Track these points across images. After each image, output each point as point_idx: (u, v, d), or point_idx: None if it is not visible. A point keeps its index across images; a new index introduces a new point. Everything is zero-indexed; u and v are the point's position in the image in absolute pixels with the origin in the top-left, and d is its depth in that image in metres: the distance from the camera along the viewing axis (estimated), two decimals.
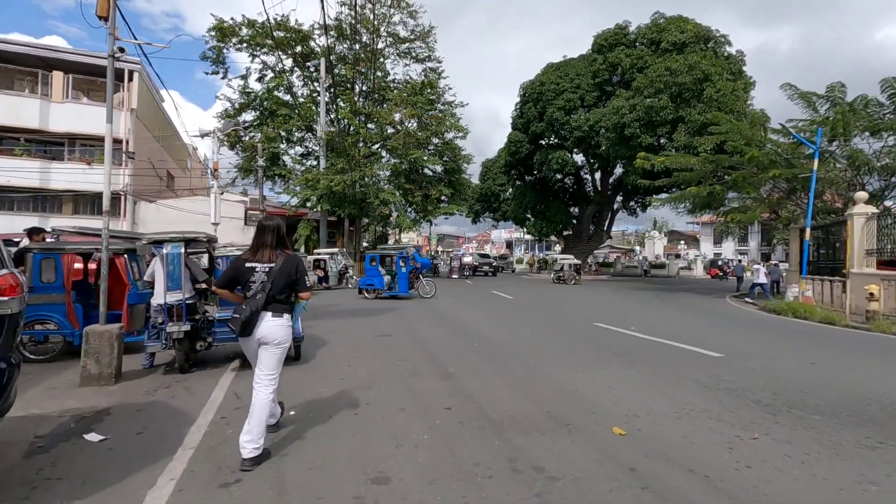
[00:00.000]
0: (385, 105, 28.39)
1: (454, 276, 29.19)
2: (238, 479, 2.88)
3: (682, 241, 68.36)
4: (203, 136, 15.32)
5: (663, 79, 23.17)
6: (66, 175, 24.14)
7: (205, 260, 7.66)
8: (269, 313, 3.20)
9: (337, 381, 5.19)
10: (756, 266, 20.17)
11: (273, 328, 3.20)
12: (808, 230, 14.20)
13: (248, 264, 3.25)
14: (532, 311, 12.20)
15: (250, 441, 3.05)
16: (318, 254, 21.27)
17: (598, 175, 36.02)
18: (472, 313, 11.60)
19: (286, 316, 3.28)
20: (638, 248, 71.82)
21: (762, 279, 18.14)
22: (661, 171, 20.79)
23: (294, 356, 6.09)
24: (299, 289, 3.37)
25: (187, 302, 5.48)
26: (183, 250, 5.34)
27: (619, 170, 34.47)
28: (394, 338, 7.87)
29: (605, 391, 4.86)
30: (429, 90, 29.04)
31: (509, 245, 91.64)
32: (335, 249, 21.27)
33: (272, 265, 3.24)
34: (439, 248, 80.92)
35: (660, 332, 8.69)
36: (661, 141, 24.48)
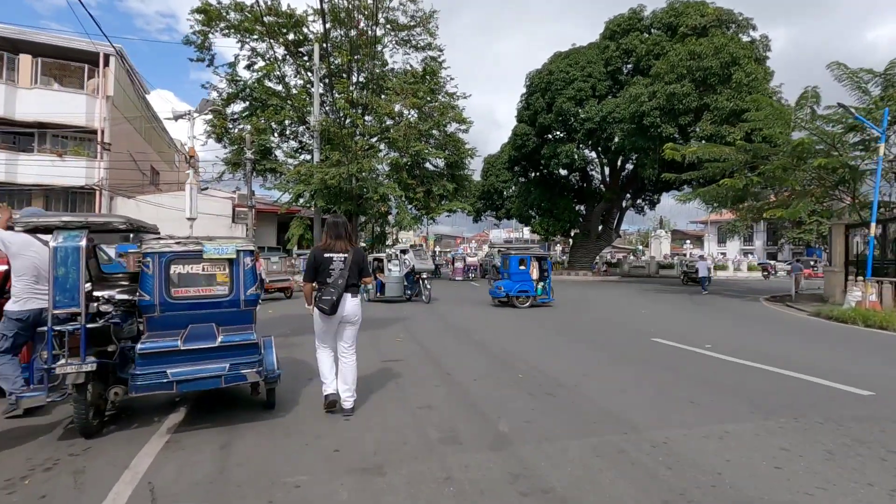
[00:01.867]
0: (384, 95, 26.44)
1: (457, 278, 27.28)
2: None
3: (688, 241, 66.84)
4: (177, 118, 13.38)
5: (686, 63, 21.36)
6: (36, 168, 22.08)
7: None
8: (349, 294, 4.02)
9: (327, 455, 3.27)
10: (702, 262, 21.74)
11: (354, 307, 4.07)
12: (873, 226, 12.38)
13: (325, 255, 4.02)
14: (564, 321, 10.30)
15: (351, 396, 4.07)
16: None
17: (607, 170, 34.22)
18: (494, 324, 9.68)
19: (358, 296, 4.13)
20: (641, 247, 70.20)
21: (704, 273, 20.56)
22: (687, 164, 19.02)
23: (265, 401, 4.17)
24: (365, 274, 4.21)
25: (92, 325, 3.52)
26: (83, 243, 3.38)
27: (629, 165, 32.73)
28: (406, 364, 5.94)
29: (762, 465, 2.99)
30: (430, 78, 27.12)
31: (506, 244, 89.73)
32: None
33: (346, 255, 4.04)
34: (437, 249, 79.06)
35: (746, 351, 6.82)
36: (684, 131, 22.68)
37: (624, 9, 29.73)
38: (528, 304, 12.60)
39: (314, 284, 4.06)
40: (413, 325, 9.26)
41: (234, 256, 3.86)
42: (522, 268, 12.48)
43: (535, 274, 12.69)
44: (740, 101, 19.70)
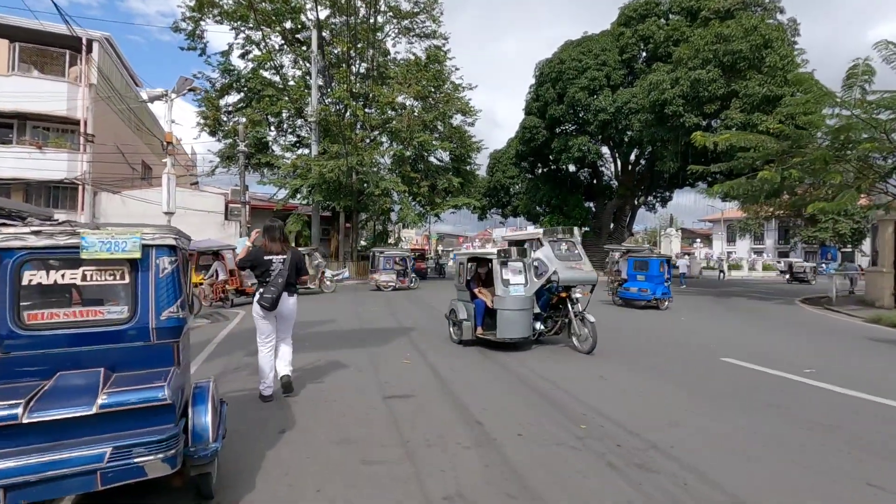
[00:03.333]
0: (386, 85, 24.88)
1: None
2: None
3: (698, 239, 65.18)
4: (152, 99, 11.91)
5: (712, 47, 19.75)
6: (14, 160, 20.58)
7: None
8: (286, 293, 4.42)
9: None
10: (681, 260, 23.65)
11: (292, 305, 4.54)
12: None
13: (266, 257, 4.40)
14: (602, 334, 8.74)
15: (287, 366, 4.61)
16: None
17: (620, 165, 32.64)
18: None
19: (295, 295, 4.61)
20: (647, 246, 68.51)
21: (684, 270, 23.47)
22: (713, 155, 17.49)
23: (200, 491, 2.59)
24: (302, 273, 4.67)
25: None
26: None
27: (643, 159, 31.14)
28: (417, 404, 4.38)
29: None
30: (435, 66, 25.54)
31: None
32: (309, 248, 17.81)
33: (285, 256, 4.43)
34: (440, 248, 77.49)
35: (857, 379, 5.27)
36: (709, 120, 21.10)
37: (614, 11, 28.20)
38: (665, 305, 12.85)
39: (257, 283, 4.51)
40: (414, 336, 7.71)
41: (138, 255, 2.32)
42: (662, 270, 13.11)
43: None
44: (775, 85, 18.10)
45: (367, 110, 24.93)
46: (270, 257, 4.40)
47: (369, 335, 7.87)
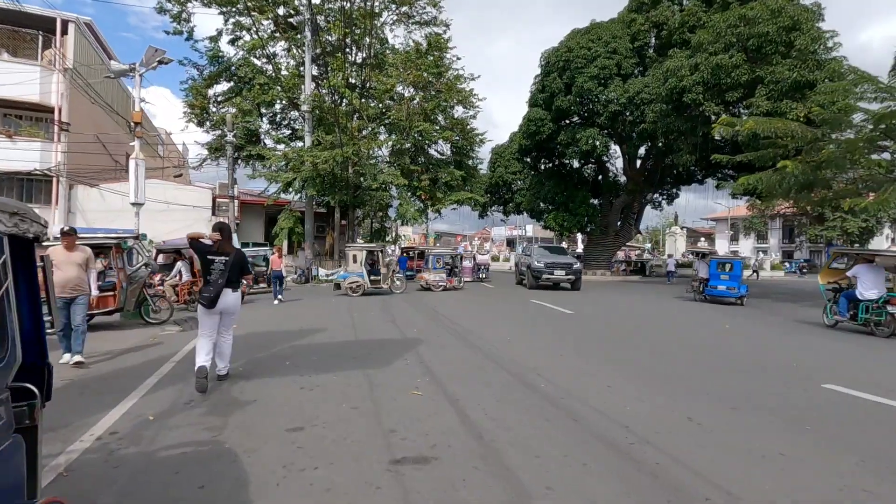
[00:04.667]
0: (384, 72, 23.41)
1: (466, 279, 24.20)
2: None
3: (702, 238, 63.98)
4: (117, 75, 10.45)
5: (735, 31, 18.37)
6: None
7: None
8: (229, 290, 4.61)
9: None
10: (670, 259, 26.51)
11: (233, 301, 4.72)
12: None
13: (208, 257, 4.61)
14: (652, 349, 7.34)
15: (225, 367, 4.89)
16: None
17: (626, 159, 31.26)
18: (551, 352, 6.73)
19: (238, 291, 4.79)
20: (649, 245, 67.26)
21: (672, 268, 28.58)
22: (728, 146, 16.19)
23: None
24: (245, 272, 4.97)
25: None
26: None
27: (653, 153, 29.78)
28: (441, 473, 2.95)
29: None
30: (436, 53, 24.09)
31: (511, 243, 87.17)
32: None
33: (227, 257, 4.60)
34: (438, 247, 75.90)
35: None
36: (731, 109, 19.73)
37: (613, 11, 26.83)
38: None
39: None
40: (433, 352, 6.28)
41: None
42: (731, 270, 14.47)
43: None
44: (806, 70, 16.74)
45: (363, 100, 23.48)
46: (213, 257, 4.60)
47: (366, 351, 6.44)
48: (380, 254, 16.04)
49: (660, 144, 27.10)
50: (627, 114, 25.12)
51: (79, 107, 20.48)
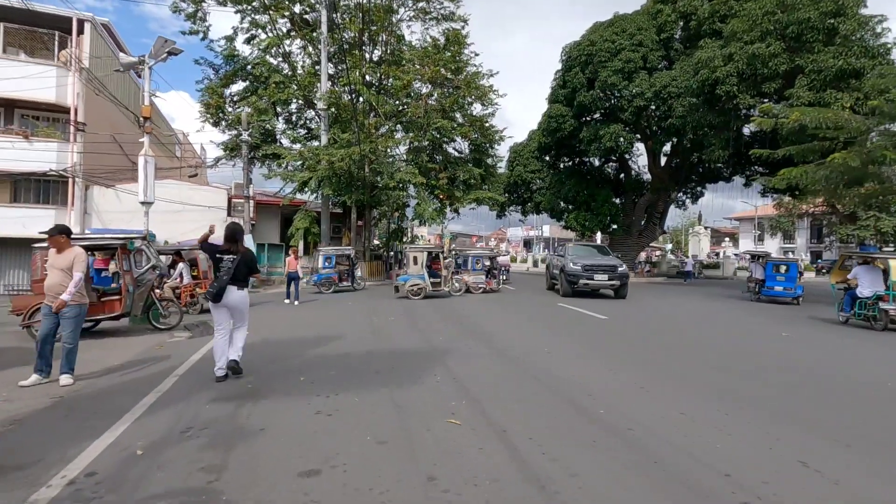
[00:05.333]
0: (402, 66, 22.80)
1: None
2: None
3: (727, 238, 62.10)
4: (126, 68, 10.01)
5: (774, 17, 17.32)
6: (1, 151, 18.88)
7: None
8: (235, 287, 4.90)
9: None
10: (689, 259, 25.91)
11: (239, 297, 4.99)
12: None
13: (218, 255, 4.96)
14: (714, 362, 6.54)
15: (236, 353, 5.03)
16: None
17: (653, 156, 30.17)
18: (597, 365, 5.98)
19: (245, 289, 5.10)
20: (670, 245, 65.55)
21: (689, 268, 29.75)
22: (771, 138, 15.16)
23: None
24: (254, 272, 5.35)
25: None
26: None
27: (679, 149, 28.68)
28: None
29: None
30: (454, 47, 23.40)
31: (527, 244, 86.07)
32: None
33: (236, 256, 4.93)
34: (454, 248, 75.15)
35: None
36: (768, 101, 18.64)
37: (636, 4, 25.80)
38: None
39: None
40: (464, 365, 5.58)
41: None
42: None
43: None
44: (852, 58, 15.63)
45: (381, 95, 22.90)
46: (223, 255, 4.90)
47: (389, 364, 5.77)
48: (440, 255, 15.50)
49: (686, 141, 26.03)
50: (653, 108, 24.17)
51: (95, 107, 20.28)
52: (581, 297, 14.53)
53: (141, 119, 9.78)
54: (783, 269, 15.24)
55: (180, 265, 10.75)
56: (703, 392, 4.64)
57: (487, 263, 17.52)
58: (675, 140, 27.37)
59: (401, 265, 29.93)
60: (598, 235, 42.11)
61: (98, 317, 8.11)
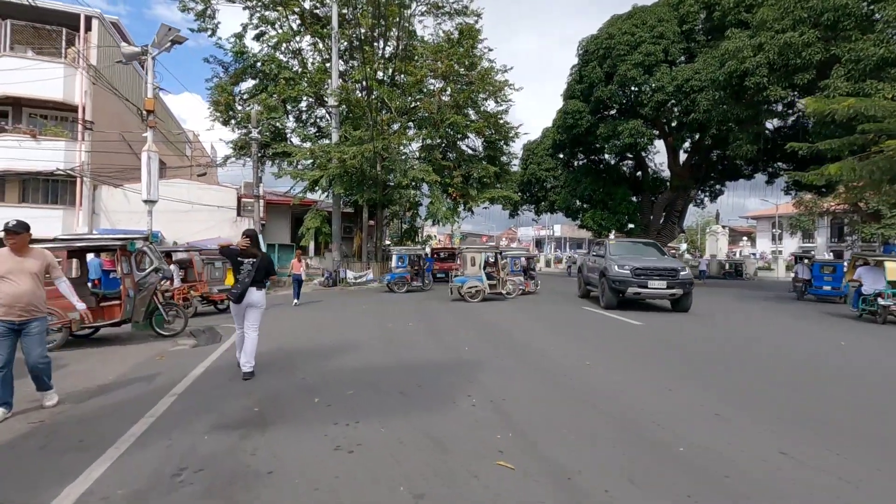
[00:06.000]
0: (415, 61, 22.17)
1: None
2: None
3: (745, 238, 60.69)
4: (129, 59, 9.49)
5: (807, 4, 16.41)
6: (9, 150, 18.56)
7: None
8: (254, 288, 5.21)
9: None
10: (703, 259, 28.20)
11: (258, 297, 5.25)
12: None
13: (239, 258, 5.24)
14: (785, 379, 5.79)
15: (248, 362, 5.15)
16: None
17: (668, 153, 29.22)
18: (650, 382, 5.27)
19: (263, 290, 5.34)
20: (685, 245, 64.19)
21: (703, 267, 29.21)
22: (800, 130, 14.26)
23: None
24: (271, 273, 5.51)
25: None
26: None
27: (701, 145, 27.74)
28: None
29: None
30: (468, 41, 22.72)
31: (539, 243, 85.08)
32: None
33: (255, 260, 5.22)
34: (463, 248, 74.28)
35: None
36: (800, 92, 17.73)
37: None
38: None
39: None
40: (500, 383, 4.92)
41: None
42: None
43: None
44: (895, 45, 14.69)
45: (393, 89, 22.28)
46: (243, 259, 5.24)
47: (414, 380, 5.10)
48: (498, 256, 14.95)
49: (707, 138, 25.10)
50: (674, 103, 23.29)
51: (103, 105, 19.93)
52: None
53: (144, 113, 9.25)
54: (831, 269, 16.22)
55: (171, 267, 10.20)
56: (791, 420, 3.91)
57: (524, 263, 16.98)
58: (696, 136, 26.48)
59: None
60: (612, 235, 41.02)
61: (97, 323, 7.56)
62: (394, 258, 17.68)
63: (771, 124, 21.62)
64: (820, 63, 16.58)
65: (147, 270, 7.88)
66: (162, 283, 8.93)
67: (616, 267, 11.37)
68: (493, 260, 15.13)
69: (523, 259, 17.39)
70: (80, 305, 4.10)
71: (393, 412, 3.98)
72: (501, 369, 5.47)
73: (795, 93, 18.53)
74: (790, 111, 22.94)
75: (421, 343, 7.26)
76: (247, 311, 5.21)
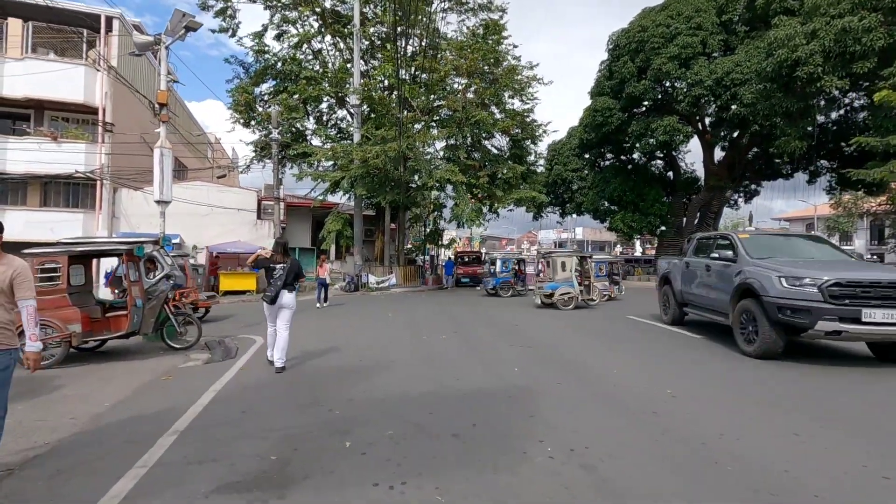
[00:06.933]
0: (439, 58, 21.38)
1: (530, 287, 21.70)
2: None
3: None
4: (141, 50, 8.86)
5: None
6: (27, 153, 18.34)
7: None
8: (286, 291, 5.77)
9: None
10: None
11: (290, 298, 5.82)
12: None
13: (272, 265, 5.82)
14: None
15: (280, 359, 5.70)
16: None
17: (704, 151, 27.80)
18: (767, 421, 4.27)
19: (294, 292, 5.90)
20: None
21: None
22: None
23: None
24: (300, 276, 6.11)
25: None
26: None
27: (741, 142, 26.31)
28: None
29: None
30: (494, 37, 21.84)
31: (559, 247, 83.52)
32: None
33: (285, 265, 5.80)
34: (484, 251, 73.43)
35: None
36: (857, 83, 16.37)
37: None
38: None
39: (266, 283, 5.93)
40: (571, 419, 3.99)
41: None
42: None
43: None
44: None
45: (416, 86, 21.52)
46: (275, 265, 5.81)
47: (466, 415, 4.20)
48: (590, 261, 14.25)
49: (746, 135, 23.69)
50: (712, 98, 22.03)
51: (123, 107, 19.64)
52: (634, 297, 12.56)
53: (157, 106, 8.61)
54: None
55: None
56: None
57: (608, 268, 16.34)
58: (736, 133, 25.08)
59: (433, 270, 28.67)
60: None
61: (103, 336, 6.88)
62: (498, 263, 18.12)
63: (823, 117, 20.21)
64: (882, 49, 15.23)
65: (157, 277, 7.17)
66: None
67: (782, 280, 6.12)
68: (579, 265, 14.24)
69: (609, 262, 16.73)
70: (33, 347, 2.85)
71: (448, 466, 3.08)
72: (569, 401, 4.52)
73: (858, 82, 17.13)
74: (841, 104, 21.47)
75: (460, 362, 6.36)
76: (279, 312, 5.80)
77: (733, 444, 3.41)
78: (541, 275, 14.22)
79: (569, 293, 12.55)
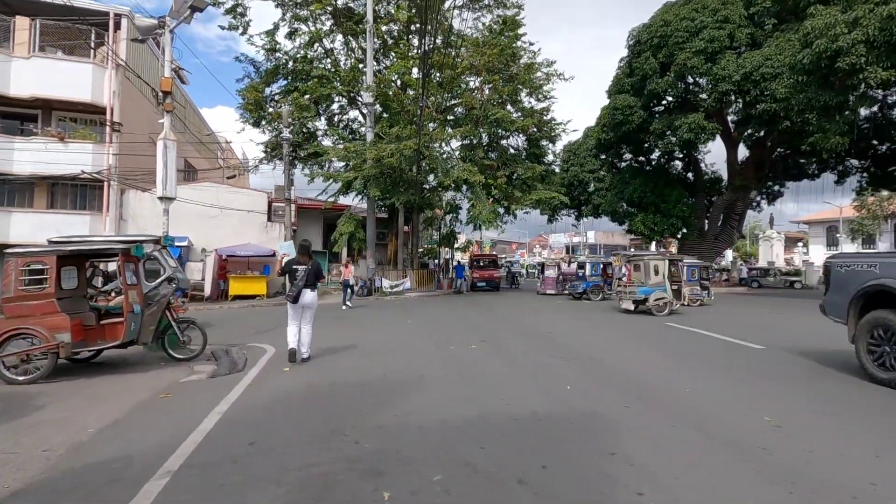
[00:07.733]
0: (454, 54, 20.68)
1: (549, 291, 20.82)
2: None
3: (800, 243, 56.69)
4: (144, 36, 8.24)
5: None
6: (33, 154, 17.88)
7: None
8: (308, 290, 6.22)
9: None
10: (743, 266, 25.96)
11: (311, 297, 6.31)
12: None
13: (294, 266, 6.29)
14: None
15: (306, 351, 6.36)
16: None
17: (729, 150, 26.76)
18: (864, 452, 3.41)
19: (315, 291, 6.37)
20: (730, 252, 60.45)
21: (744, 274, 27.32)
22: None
23: None
24: (320, 277, 6.46)
25: None
26: None
27: (769, 140, 25.26)
28: None
29: None
30: (511, 33, 21.10)
31: (571, 251, 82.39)
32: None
33: (307, 266, 6.24)
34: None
35: None
36: None
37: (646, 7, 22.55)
38: None
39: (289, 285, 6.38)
40: (664, 459, 3.18)
41: None
42: None
43: None
44: None
45: (431, 83, 20.84)
46: (297, 266, 6.26)
47: (531, 455, 3.40)
48: (681, 265, 13.86)
49: (775, 132, 22.64)
50: (739, 94, 21.08)
51: (131, 107, 19.16)
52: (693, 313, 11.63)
53: (160, 94, 7.95)
54: None
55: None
56: None
57: (699, 273, 15.78)
58: (764, 131, 24.04)
59: (446, 273, 27.91)
60: (653, 243, 38.35)
61: (97, 346, 6.16)
62: (587, 266, 18.02)
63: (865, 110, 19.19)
64: None
65: (158, 280, 6.45)
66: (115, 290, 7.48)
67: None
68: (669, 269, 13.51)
69: (699, 266, 16.14)
70: None
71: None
72: (650, 432, 3.69)
73: None
74: (875, 100, 20.38)
75: (500, 378, 5.54)
76: (303, 311, 6.29)
77: (860, 487, 2.56)
78: (624, 279, 13.38)
79: (663, 298, 11.91)
